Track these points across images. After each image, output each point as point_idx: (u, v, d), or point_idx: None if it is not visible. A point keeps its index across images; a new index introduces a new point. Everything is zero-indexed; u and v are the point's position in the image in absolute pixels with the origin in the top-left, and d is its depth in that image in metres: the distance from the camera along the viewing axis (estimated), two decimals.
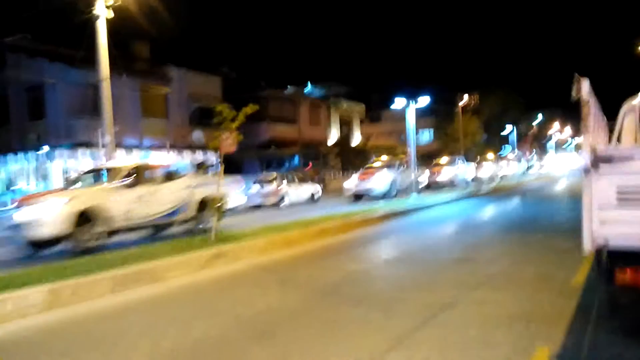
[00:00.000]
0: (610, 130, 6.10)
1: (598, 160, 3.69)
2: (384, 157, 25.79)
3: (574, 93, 3.74)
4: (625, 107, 5.87)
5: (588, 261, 7.14)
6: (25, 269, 6.93)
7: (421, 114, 30.35)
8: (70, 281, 6.13)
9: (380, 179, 21.17)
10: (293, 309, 5.35)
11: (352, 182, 22.22)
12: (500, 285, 6.02)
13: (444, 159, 30.59)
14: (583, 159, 3.78)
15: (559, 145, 71.17)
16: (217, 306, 5.65)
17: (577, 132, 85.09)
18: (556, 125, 72.29)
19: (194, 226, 11.63)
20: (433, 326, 4.62)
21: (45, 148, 23.09)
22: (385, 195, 20.46)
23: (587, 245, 3.77)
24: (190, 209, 11.51)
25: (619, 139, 5.71)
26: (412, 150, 21.18)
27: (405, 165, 22.92)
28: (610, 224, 3.72)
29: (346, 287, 6.27)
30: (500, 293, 5.63)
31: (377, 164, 23.75)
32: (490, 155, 39.06)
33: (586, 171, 3.74)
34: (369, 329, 4.63)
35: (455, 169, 28.40)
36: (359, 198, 20.99)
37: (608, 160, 3.69)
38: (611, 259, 3.76)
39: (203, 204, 11.57)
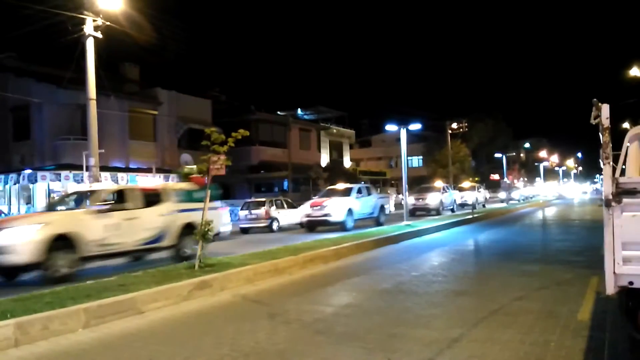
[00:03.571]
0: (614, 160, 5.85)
1: (621, 193, 3.37)
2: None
3: (592, 119, 3.45)
4: (629, 135, 5.62)
5: (591, 294, 6.90)
6: None
7: (411, 140, 29.40)
8: (41, 315, 5.64)
9: None
10: (284, 350, 4.90)
11: None
12: (502, 321, 5.65)
13: (340, 185, 22.29)
14: (604, 191, 3.45)
15: (547, 173, 71.65)
16: (200, 345, 5.19)
17: (563, 160, 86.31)
18: (543, 153, 73.08)
19: (175, 253, 11.13)
20: None
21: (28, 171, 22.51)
22: None
23: (609, 286, 3.43)
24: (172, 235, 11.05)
25: (622, 169, 5.44)
26: (404, 175, 20.85)
27: None
28: (634, 263, 3.38)
29: (340, 323, 5.84)
30: (504, 331, 5.25)
31: None
32: (438, 182, 31.70)
33: (607, 204, 3.41)
34: None
35: (348, 201, 18.89)
36: None
37: (632, 192, 3.36)
38: (636, 302, 3.41)
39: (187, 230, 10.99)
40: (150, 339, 5.49)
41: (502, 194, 45.25)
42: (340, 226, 17.93)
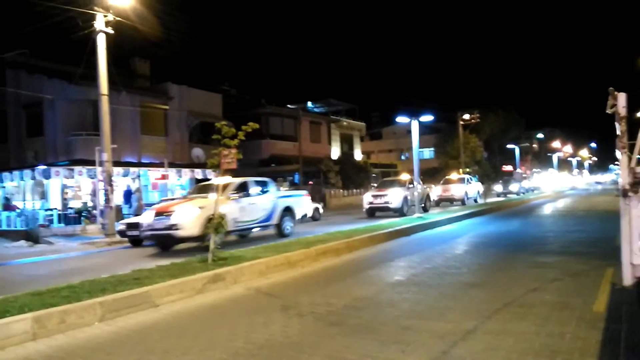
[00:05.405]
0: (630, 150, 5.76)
1: (638, 183, 3.30)
2: None
3: (608, 108, 3.39)
4: None
5: (606, 286, 6.83)
6: (6, 295, 6.51)
7: (422, 132, 28.47)
8: (58, 308, 5.71)
9: None
10: (297, 342, 4.93)
11: None
12: (517, 313, 5.62)
13: (218, 180, 13.08)
14: (621, 181, 3.39)
15: (561, 163, 70.87)
16: (214, 338, 5.23)
17: (577, 150, 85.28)
18: (556, 143, 72.35)
19: None
20: None
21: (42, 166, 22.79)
22: None
23: (627, 277, 3.38)
24: None
25: (638, 159, 5.37)
26: (415, 167, 20.71)
27: None
28: None
29: (353, 315, 5.85)
30: (518, 322, 5.23)
31: None
32: (404, 175, 24.94)
33: (624, 195, 3.34)
34: None
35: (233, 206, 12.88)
36: None
37: None
38: None
39: None
40: (165, 332, 5.54)
41: (497, 187, 41.32)
42: (201, 243, 11.26)
